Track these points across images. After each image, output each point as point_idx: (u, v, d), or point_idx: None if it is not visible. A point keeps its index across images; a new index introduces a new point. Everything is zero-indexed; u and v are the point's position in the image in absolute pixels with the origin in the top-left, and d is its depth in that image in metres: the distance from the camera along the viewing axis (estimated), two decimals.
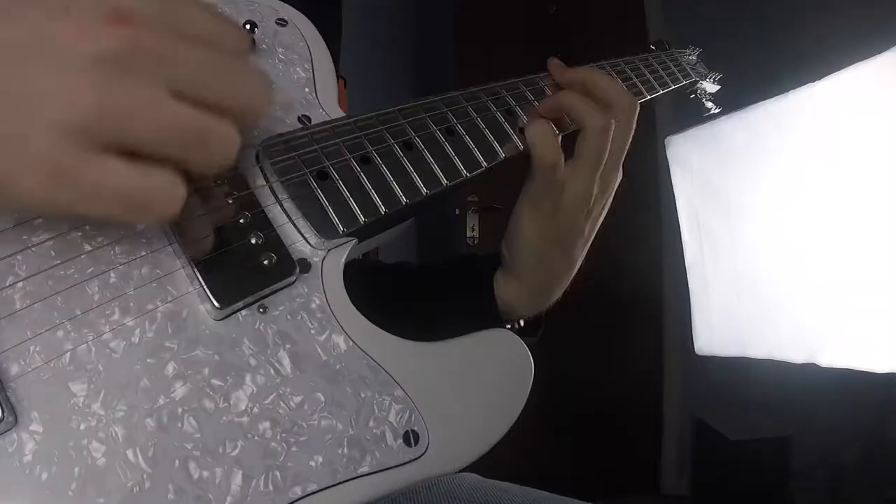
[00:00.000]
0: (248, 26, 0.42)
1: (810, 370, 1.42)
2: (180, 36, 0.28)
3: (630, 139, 0.53)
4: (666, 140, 1.93)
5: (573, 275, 0.56)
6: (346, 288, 0.38)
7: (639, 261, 2.16)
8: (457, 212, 2.03)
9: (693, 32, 1.94)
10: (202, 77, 0.29)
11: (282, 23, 0.45)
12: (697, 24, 1.98)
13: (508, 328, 0.57)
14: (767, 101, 1.55)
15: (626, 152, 0.53)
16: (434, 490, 0.54)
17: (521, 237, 0.52)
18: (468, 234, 2.02)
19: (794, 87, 1.48)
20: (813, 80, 1.42)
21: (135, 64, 0.26)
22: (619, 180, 0.54)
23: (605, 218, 0.56)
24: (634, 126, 0.53)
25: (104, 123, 0.25)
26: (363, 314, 0.37)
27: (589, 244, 0.55)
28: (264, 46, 0.44)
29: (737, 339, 1.69)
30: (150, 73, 0.27)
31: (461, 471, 0.37)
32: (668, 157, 1.93)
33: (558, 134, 0.51)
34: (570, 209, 0.51)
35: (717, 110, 0.80)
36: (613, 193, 0.54)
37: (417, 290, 0.62)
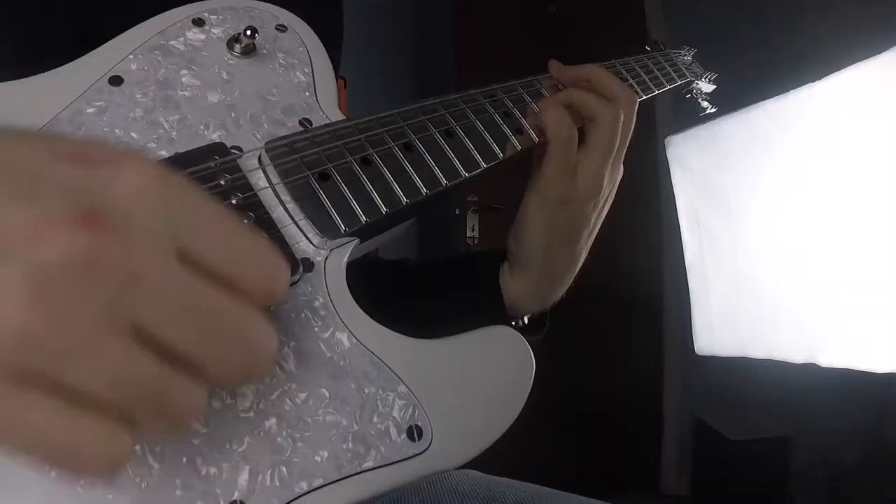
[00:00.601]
0: (248, 32, 0.42)
1: (810, 370, 1.42)
2: (174, 267, 0.21)
3: (631, 133, 0.54)
4: (666, 140, 1.93)
5: (577, 269, 0.57)
6: (348, 285, 0.38)
7: (639, 261, 2.16)
8: (457, 212, 2.03)
9: (693, 32, 1.94)
10: (182, 326, 0.21)
11: (281, 28, 0.46)
12: (697, 24, 1.99)
13: (513, 326, 0.57)
14: (767, 101, 1.55)
15: (626, 146, 0.54)
16: (438, 486, 0.54)
17: (529, 227, 0.53)
18: (468, 234, 2.02)
19: (794, 87, 1.48)
20: (813, 80, 1.42)
21: (88, 284, 0.19)
22: (621, 176, 0.55)
23: (606, 217, 0.57)
24: (635, 119, 0.54)
25: (23, 357, 0.19)
26: (365, 311, 0.37)
27: (592, 239, 0.56)
28: (265, 52, 0.44)
29: (737, 339, 1.69)
30: (105, 301, 0.20)
31: (464, 467, 0.37)
32: (668, 157, 1.93)
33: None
34: (581, 197, 0.52)
35: (713, 109, 0.81)
36: (616, 189, 0.56)
37: (419, 287, 0.62)
